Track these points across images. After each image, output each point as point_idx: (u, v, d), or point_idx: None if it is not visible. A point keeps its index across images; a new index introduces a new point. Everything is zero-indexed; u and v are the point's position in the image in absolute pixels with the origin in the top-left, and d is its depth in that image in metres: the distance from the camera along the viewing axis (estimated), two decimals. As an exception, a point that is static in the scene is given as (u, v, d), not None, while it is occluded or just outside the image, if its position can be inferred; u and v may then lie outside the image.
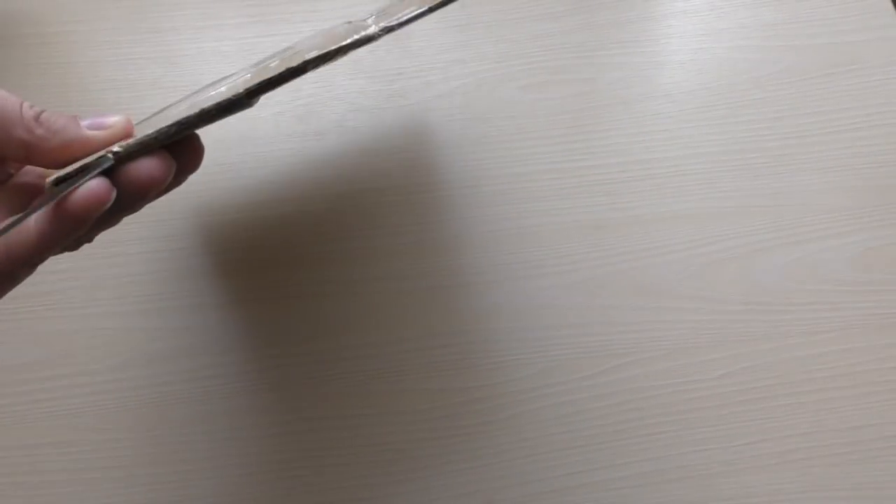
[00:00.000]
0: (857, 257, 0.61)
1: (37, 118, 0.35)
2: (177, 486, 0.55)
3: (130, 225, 0.61)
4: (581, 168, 0.64)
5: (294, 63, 0.35)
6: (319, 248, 0.61)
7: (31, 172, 0.39)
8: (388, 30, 0.38)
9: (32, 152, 0.36)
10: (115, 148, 0.35)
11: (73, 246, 0.39)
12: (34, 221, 0.35)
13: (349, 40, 0.36)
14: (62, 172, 0.35)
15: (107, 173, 0.35)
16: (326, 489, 0.54)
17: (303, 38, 0.41)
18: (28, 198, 0.38)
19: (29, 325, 0.58)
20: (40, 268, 0.38)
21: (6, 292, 0.37)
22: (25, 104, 0.36)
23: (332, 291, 0.60)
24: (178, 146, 0.37)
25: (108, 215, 0.36)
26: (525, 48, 0.69)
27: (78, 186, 0.34)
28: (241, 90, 0.36)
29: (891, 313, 0.59)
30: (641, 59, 0.69)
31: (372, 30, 0.38)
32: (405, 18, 0.38)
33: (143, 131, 0.37)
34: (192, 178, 0.65)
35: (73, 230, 0.34)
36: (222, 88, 0.38)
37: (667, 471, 0.55)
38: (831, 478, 0.55)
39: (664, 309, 0.59)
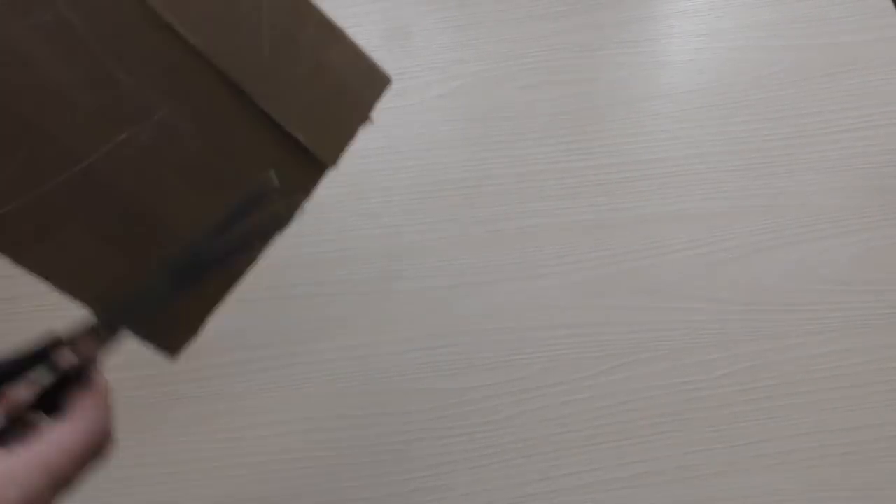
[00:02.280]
0: (858, 257, 0.61)
1: None
2: (177, 486, 0.55)
3: (130, 225, 0.61)
4: (581, 168, 0.64)
5: None
6: (320, 248, 0.61)
7: None
8: None
9: None
10: None
11: None
12: None
13: None
14: None
15: None
16: (326, 489, 0.54)
17: None
18: None
19: (28, 325, 0.58)
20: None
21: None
22: None
23: (332, 291, 0.60)
24: None
25: None
26: (525, 48, 0.69)
27: None
28: None
29: (891, 313, 0.59)
30: (642, 59, 0.69)
31: None
32: None
33: None
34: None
35: None
36: None
37: (667, 471, 0.55)
38: (832, 478, 0.55)
39: (664, 309, 0.59)
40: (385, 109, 0.67)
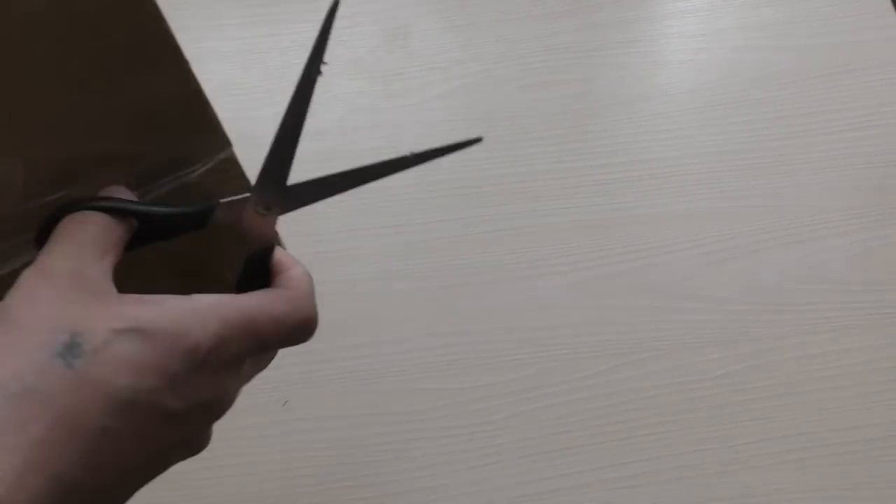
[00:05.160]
0: (857, 257, 0.61)
1: None
2: (177, 486, 0.55)
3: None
4: (581, 168, 0.64)
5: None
6: (319, 248, 0.61)
7: None
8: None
9: None
10: None
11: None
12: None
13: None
14: None
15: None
16: (326, 489, 0.54)
17: None
18: None
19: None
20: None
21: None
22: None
23: (332, 291, 0.60)
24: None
25: None
26: (525, 48, 0.69)
27: None
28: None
29: (890, 313, 0.59)
30: (641, 59, 0.69)
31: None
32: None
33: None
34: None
35: None
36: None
37: (666, 471, 0.55)
38: (830, 477, 0.55)
39: (664, 309, 0.59)
40: (385, 109, 0.67)
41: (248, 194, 0.35)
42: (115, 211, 0.32)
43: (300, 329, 0.34)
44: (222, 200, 0.35)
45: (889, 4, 0.71)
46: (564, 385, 0.57)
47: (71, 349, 0.27)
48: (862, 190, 0.63)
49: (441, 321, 0.59)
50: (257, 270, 0.35)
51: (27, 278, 0.29)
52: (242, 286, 0.35)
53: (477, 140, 0.35)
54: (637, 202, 0.63)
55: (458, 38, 0.70)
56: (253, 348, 0.32)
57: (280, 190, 0.35)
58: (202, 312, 0.30)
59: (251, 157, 0.67)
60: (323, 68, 0.34)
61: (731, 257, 0.61)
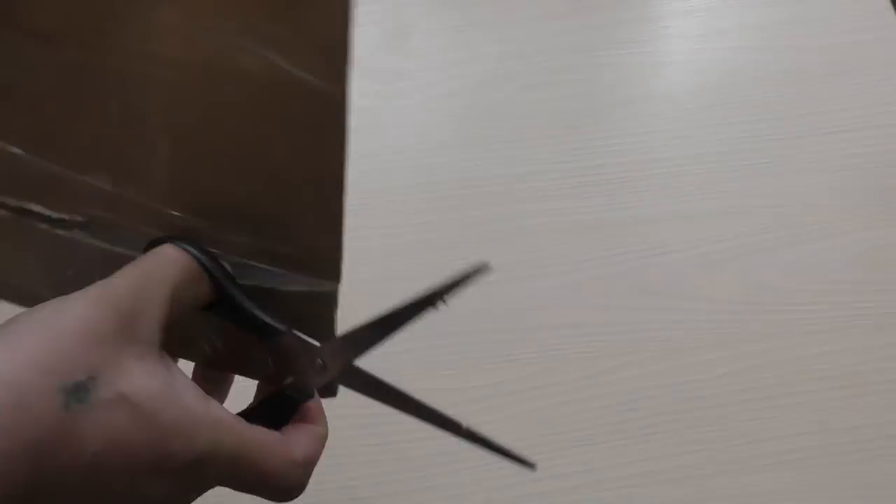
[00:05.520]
0: (857, 257, 0.61)
1: None
2: (177, 486, 0.55)
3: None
4: (581, 168, 0.64)
5: None
6: (319, 248, 0.61)
7: None
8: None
9: None
10: None
11: None
12: None
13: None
14: None
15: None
16: (325, 488, 0.54)
17: None
18: None
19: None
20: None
21: None
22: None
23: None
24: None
25: None
26: (525, 48, 0.69)
27: None
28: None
29: (891, 313, 0.59)
30: (641, 59, 0.69)
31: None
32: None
33: None
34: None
35: None
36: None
37: (666, 470, 0.55)
38: (830, 477, 0.55)
39: (664, 309, 0.59)
40: (385, 109, 0.67)
41: (318, 344, 0.36)
42: (215, 276, 0.32)
43: (279, 493, 0.33)
44: (295, 332, 0.35)
45: (889, 4, 0.71)
46: (564, 385, 0.57)
47: (77, 391, 0.27)
48: (862, 190, 0.63)
49: (441, 321, 0.59)
50: (287, 400, 0.36)
51: (96, 292, 0.29)
52: (267, 409, 0.36)
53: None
54: (637, 202, 0.63)
55: (458, 38, 0.70)
56: (225, 480, 0.32)
57: (347, 361, 0.37)
58: (201, 423, 0.30)
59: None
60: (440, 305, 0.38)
61: (731, 257, 0.61)
